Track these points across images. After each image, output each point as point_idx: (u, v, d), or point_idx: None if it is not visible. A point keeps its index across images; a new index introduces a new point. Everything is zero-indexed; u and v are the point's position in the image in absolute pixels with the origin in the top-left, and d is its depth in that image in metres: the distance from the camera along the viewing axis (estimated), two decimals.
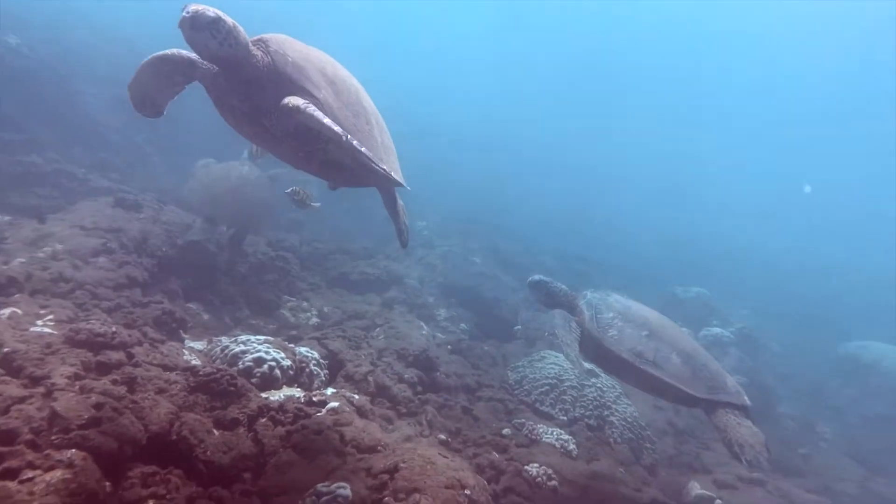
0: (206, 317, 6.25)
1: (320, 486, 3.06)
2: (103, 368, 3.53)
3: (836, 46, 36.66)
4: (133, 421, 3.03)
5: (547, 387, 6.28)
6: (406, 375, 5.30)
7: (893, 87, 34.88)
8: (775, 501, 6.04)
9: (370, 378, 4.93)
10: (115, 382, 3.33)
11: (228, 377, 3.72)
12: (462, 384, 6.00)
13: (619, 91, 47.13)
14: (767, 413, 10.07)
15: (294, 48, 3.42)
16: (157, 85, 3.55)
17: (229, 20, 3.06)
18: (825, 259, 32.82)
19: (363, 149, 3.17)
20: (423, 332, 7.05)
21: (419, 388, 5.33)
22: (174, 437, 3.15)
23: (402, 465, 3.23)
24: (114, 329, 3.85)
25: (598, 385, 6.61)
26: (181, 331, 5.15)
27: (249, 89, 3.29)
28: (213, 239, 7.22)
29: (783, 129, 43.79)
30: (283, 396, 4.13)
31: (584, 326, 5.06)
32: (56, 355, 3.40)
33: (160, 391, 3.44)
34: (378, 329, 6.77)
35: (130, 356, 3.77)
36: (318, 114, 3.12)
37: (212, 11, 2.96)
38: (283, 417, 3.67)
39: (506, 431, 5.13)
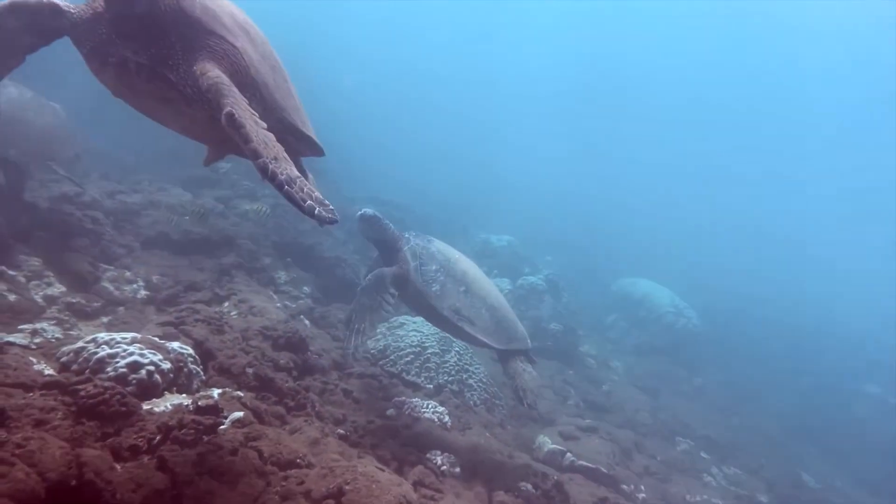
0: (11, 298, 5.28)
1: None
2: None
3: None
4: (27, 471, 2.57)
5: (411, 355, 6.50)
6: (281, 361, 5.09)
7: None
8: (608, 445, 7.05)
9: (249, 370, 4.65)
10: None
11: (119, 396, 3.27)
12: (331, 361, 5.93)
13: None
14: (574, 354, 11.51)
15: None
16: None
17: None
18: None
19: (295, 192, 2.59)
20: (278, 305, 6.75)
21: (295, 374, 5.17)
22: (75, 482, 2.73)
23: (346, 486, 3.15)
24: None
25: (457, 349, 6.98)
26: None
27: (148, 34, 2.70)
28: None
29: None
30: (169, 406, 3.75)
31: (409, 278, 5.40)
32: None
33: (39, 424, 2.93)
34: (227, 303, 6.33)
35: None
36: (248, 128, 2.64)
37: None
38: (186, 437, 3.36)
39: (390, 412, 5.26)
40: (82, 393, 3.20)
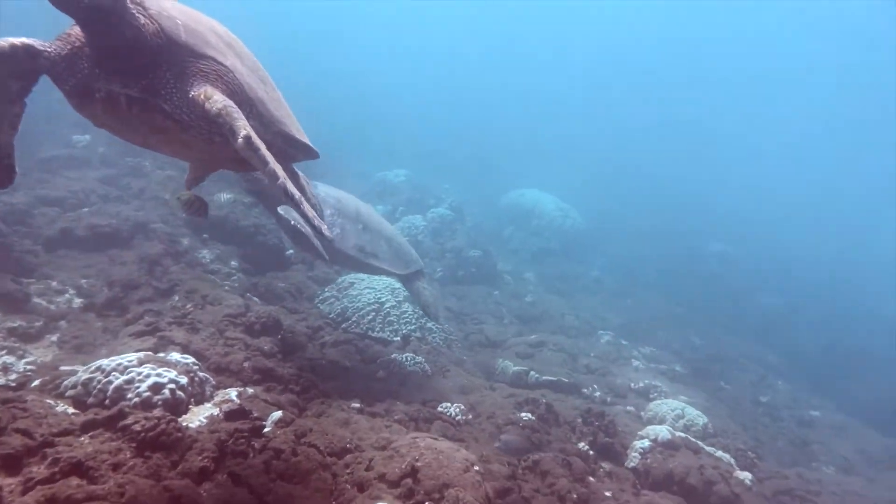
0: None
1: None
2: (11, 463, 2.90)
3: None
4: None
5: (372, 313, 6.80)
6: (266, 347, 5.24)
7: None
8: (558, 355, 7.88)
9: (246, 364, 4.79)
10: (56, 476, 2.81)
11: (172, 424, 3.40)
12: (303, 335, 6.10)
13: None
14: (495, 275, 12.26)
15: (175, 7, 2.92)
16: None
17: None
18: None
19: (305, 207, 2.85)
20: (226, 288, 6.72)
21: (280, 356, 5.33)
22: None
23: (417, 463, 3.48)
24: None
25: (410, 298, 7.35)
26: None
27: (135, 66, 2.71)
28: None
29: None
30: (203, 419, 3.90)
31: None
32: None
33: (116, 467, 3.03)
34: (176, 297, 6.23)
35: (28, 434, 3.11)
36: (263, 149, 2.76)
37: None
38: (241, 447, 3.55)
39: (380, 374, 5.61)
40: (136, 427, 3.29)
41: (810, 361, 14.28)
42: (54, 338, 5.55)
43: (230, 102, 2.82)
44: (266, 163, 2.76)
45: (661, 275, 18.30)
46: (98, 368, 3.95)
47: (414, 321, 7.07)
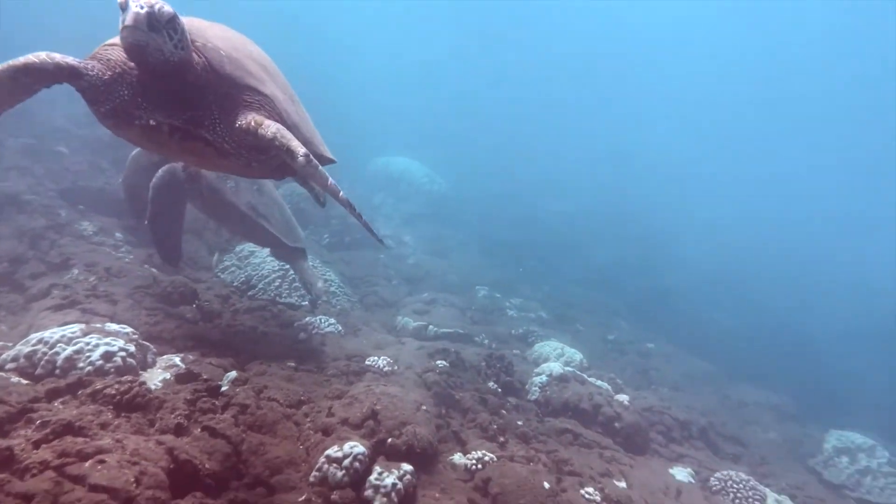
0: None
1: (331, 453, 3.49)
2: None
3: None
4: (146, 466, 2.98)
5: (278, 280, 7.00)
6: (188, 315, 5.39)
7: None
8: (449, 310, 8.59)
9: (177, 332, 4.96)
10: (49, 437, 2.97)
11: (143, 386, 3.60)
12: (216, 303, 6.20)
13: None
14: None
15: (215, 34, 3.07)
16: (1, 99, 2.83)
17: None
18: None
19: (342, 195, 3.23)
20: (127, 260, 6.62)
21: (201, 323, 5.49)
22: (173, 465, 3.14)
23: (376, 407, 3.91)
24: None
25: (312, 265, 7.63)
26: None
27: (183, 99, 2.87)
28: None
29: None
30: (159, 383, 4.08)
31: (202, 174, 5.33)
32: None
33: (104, 426, 3.22)
34: (75, 271, 6.09)
35: (4, 402, 3.19)
36: (321, 167, 3.04)
37: (167, 6, 2.53)
38: (206, 404, 3.81)
39: (301, 336, 5.92)
40: (110, 391, 3.46)
41: (638, 303, 16.42)
42: None
43: (281, 125, 3.00)
44: (327, 178, 3.04)
45: (513, 233, 19.85)
46: (40, 341, 3.97)
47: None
